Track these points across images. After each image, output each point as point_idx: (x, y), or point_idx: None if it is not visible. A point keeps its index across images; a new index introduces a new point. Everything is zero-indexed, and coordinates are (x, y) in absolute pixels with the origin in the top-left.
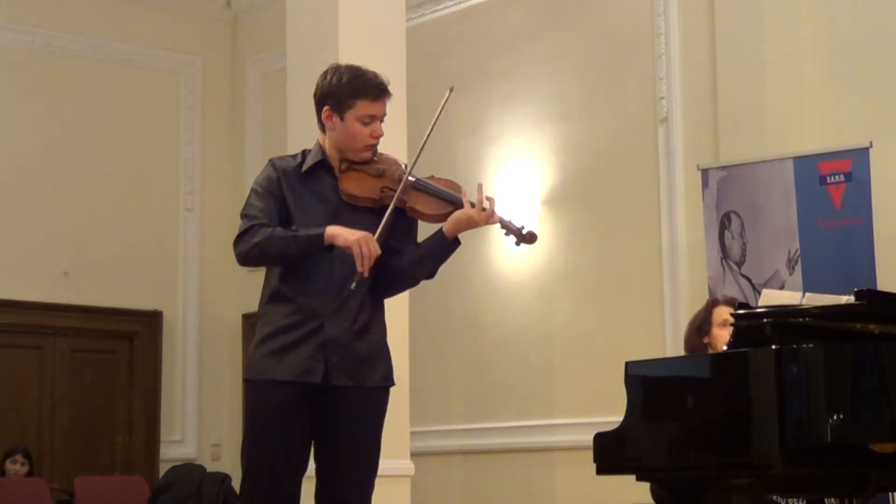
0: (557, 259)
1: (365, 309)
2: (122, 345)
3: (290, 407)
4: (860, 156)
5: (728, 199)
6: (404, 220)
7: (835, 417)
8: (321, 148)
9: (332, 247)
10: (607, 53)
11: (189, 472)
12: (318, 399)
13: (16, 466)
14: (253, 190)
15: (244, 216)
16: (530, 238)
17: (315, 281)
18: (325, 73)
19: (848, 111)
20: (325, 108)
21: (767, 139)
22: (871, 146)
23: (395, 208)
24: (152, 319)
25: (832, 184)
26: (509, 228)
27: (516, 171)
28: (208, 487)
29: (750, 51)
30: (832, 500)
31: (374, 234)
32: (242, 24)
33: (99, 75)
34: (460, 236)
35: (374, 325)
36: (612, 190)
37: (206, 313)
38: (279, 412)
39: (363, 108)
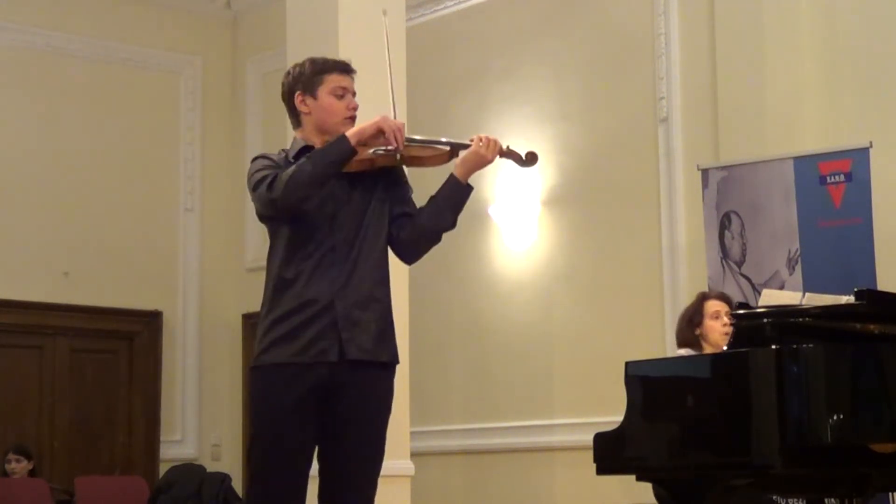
0: (557, 259)
1: (374, 284)
2: (122, 345)
3: (299, 396)
4: (860, 156)
5: (728, 199)
6: (397, 187)
7: (835, 417)
8: (301, 140)
9: (354, 151)
10: (607, 53)
11: (189, 472)
12: (327, 394)
13: (11, 465)
14: (257, 169)
15: (261, 178)
16: (531, 159)
17: (319, 260)
18: (287, 72)
19: (848, 111)
20: (297, 94)
21: (767, 139)
22: (871, 146)
23: (396, 160)
24: (152, 319)
25: (832, 184)
26: (511, 154)
27: (516, 171)
28: (208, 487)
29: (750, 51)
30: (832, 500)
31: (371, 200)
32: (242, 24)
33: (99, 75)
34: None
35: (385, 298)
36: (612, 190)
37: (206, 313)
38: (288, 399)
39: (334, 80)
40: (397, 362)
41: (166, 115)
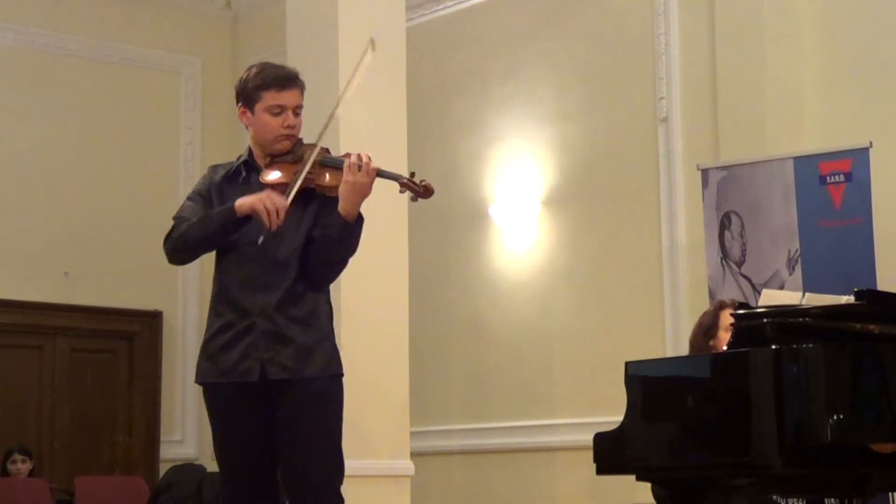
0: (557, 259)
1: (300, 300)
2: (122, 345)
3: (236, 407)
4: (860, 156)
5: (728, 199)
6: (329, 207)
7: (835, 417)
8: (249, 148)
9: (248, 218)
10: (607, 53)
11: (189, 472)
12: (267, 395)
13: (16, 466)
14: (188, 196)
15: (173, 219)
16: (425, 192)
17: (244, 278)
18: (239, 78)
19: (848, 111)
20: (239, 105)
21: (767, 139)
22: (871, 146)
23: (307, 186)
24: (152, 319)
25: (832, 184)
26: (395, 179)
27: (516, 171)
28: (208, 487)
29: (750, 51)
30: (832, 500)
31: (300, 217)
32: (242, 24)
33: (99, 75)
34: None
35: (311, 316)
36: (612, 190)
37: (206, 313)
38: (226, 413)
39: (269, 98)
40: (329, 374)
41: (166, 115)
